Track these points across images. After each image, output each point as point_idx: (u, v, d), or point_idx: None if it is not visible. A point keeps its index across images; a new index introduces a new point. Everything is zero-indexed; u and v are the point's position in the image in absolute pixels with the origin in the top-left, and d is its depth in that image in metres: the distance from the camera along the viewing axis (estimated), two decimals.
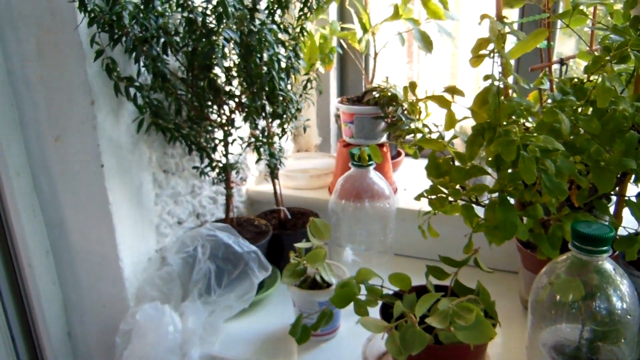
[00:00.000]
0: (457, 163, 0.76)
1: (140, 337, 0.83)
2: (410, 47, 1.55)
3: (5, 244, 0.87)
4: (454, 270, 0.74)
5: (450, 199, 0.75)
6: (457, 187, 0.75)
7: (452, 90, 0.76)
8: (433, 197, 0.77)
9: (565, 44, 1.24)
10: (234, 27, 0.72)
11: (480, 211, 0.73)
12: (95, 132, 0.78)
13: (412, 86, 0.80)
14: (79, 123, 0.79)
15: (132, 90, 0.76)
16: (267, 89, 0.81)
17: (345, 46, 1.23)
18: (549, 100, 0.76)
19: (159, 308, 0.84)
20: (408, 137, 1.00)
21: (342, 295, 0.75)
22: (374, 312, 0.74)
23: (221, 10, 0.68)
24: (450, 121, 0.76)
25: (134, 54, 0.73)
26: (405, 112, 1.06)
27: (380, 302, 0.76)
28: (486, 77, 0.68)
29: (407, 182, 1.21)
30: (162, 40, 0.74)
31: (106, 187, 0.81)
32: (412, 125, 0.97)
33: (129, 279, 0.88)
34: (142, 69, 0.79)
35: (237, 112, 0.87)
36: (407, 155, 1.28)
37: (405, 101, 1.05)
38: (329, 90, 1.33)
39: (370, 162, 0.92)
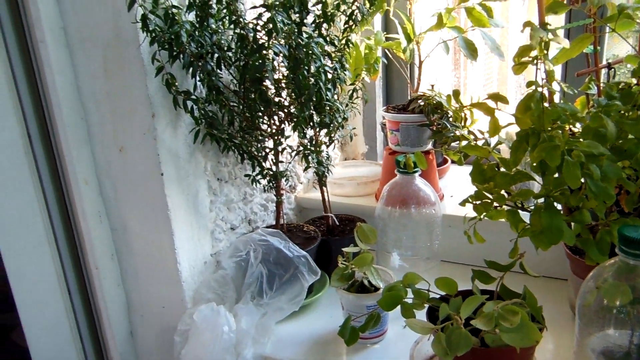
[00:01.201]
0: (501, 169, 0.77)
1: (197, 337, 0.88)
2: (456, 55, 1.56)
3: (75, 248, 0.94)
4: (500, 274, 0.75)
5: (495, 204, 0.76)
6: (502, 192, 0.76)
7: (496, 98, 0.77)
8: (478, 202, 0.78)
9: (619, 47, 1.22)
10: (283, 41, 0.76)
11: (525, 216, 0.74)
12: (155, 142, 0.84)
13: (456, 94, 0.82)
14: (140, 134, 0.85)
15: (189, 103, 0.81)
16: (314, 99, 0.84)
17: (390, 55, 1.26)
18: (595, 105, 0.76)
19: (214, 309, 0.88)
20: (453, 144, 1.02)
21: (390, 298, 0.77)
22: (421, 315, 0.76)
23: (271, 26, 0.72)
24: (495, 128, 0.78)
25: (190, 69, 0.78)
26: (451, 119, 1.07)
27: (426, 306, 0.77)
28: (529, 84, 0.69)
29: (454, 189, 1.22)
30: (216, 55, 0.79)
31: (166, 194, 0.87)
32: (457, 133, 0.98)
33: (186, 281, 0.93)
34: (198, 83, 0.84)
35: (286, 122, 0.91)
36: (453, 162, 1.29)
37: (450, 109, 1.06)
38: (374, 99, 1.36)
39: (416, 169, 0.94)
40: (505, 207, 0.76)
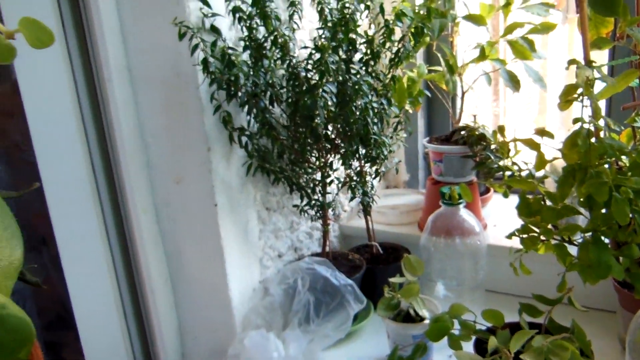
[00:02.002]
0: (548, 202, 0.78)
1: None
2: (497, 86, 1.57)
3: (131, 273, 1.00)
4: (548, 308, 0.75)
5: (542, 238, 0.77)
6: (549, 226, 0.77)
7: (542, 132, 0.79)
8: (525, 236, 0.79)
9: None
10: (331, 78, 0.80)
11: (573, 249, 0.74)
12: (210, 174, 0.89)
13: (501, 129, 0.84)
14: (196, 167, 0.89)
15: (243, 139, 0.86)
16: (361, 133, 0.88)
17: (432, 87, 1.29)
18: None
19: (264, 335, 0.91)
20: (497, 174, 1.03)
21: (437, 329, 0.78)
22: (467, 347, 0.77)
23: (323, 68, 0.77)
24: (541, 162, 0.79)
25: (246, 107, 0.83)
26: (494, 150, 1.08)
27: (473, 337, 0.78)
28: (575, 120, 0.70)
29: (497, 218, 1.22)
30: (269, 94, 0.84)
31: (219, 224, 0.91)
32: (501, 164, 1.00)
33: (236, 307, 0.97)
34: (251, 119, 0.88)
35: (333, 154, 0.94)
36: (496, 191, 1.30)
37: (494, 142, 1.08)
38: (416, 129, 1.38)
39: (460, 201, 0.96)
40: (552, 241, 0.77)
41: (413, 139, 1.40)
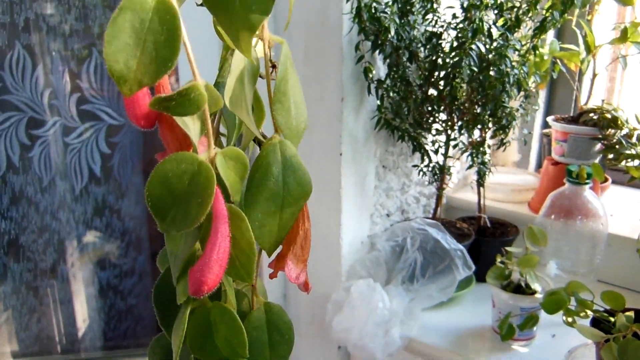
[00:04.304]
0: None
1: (352, 308, 0.94)
2: (613, 72, 1.50)
3: None
4: None
5: None
6: None
7: None
8: None
9: None
10: (483, 38, 0.80)
11: None
12: (340, 124, 0.91)
13: None
14: (327, 116, 0.92)
15: (379, 91, 0.87)
16: (497, 99, 0.87)
17: (560, 65, 1.24)
18: None
19: (371, 285, 0.94)
20: (625, 161, 0.99)
21: (554, 302, 0.78)
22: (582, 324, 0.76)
23: (474, 26, 0.76)
24: None
25: (388, 60, 0.84)
26: (626, 135, 1.04)
27: (591, 315, 0.77)
28: None
29: (613, 209, 1.17)
30: (411, 49, 0.84)
31: (341, 173, 0.94)
32: (633, 151, 0.96)
33: (345, 256, 1.00)
34: (388, 74, 0.90)
35: (461, 120, 0.94)
36: (613, 182, 1.25)
37: (626, 125, 1.03)
38: (537, 103, 1.34)
39: (588, 181, 0.93)
40: None
41: (529, 118, 1.36)
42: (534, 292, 0.88)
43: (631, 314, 0.73)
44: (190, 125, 0.29)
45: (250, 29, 0.28)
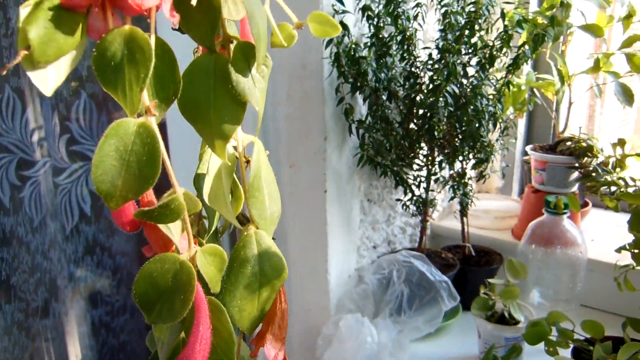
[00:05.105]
0: None
1: (341, 343, 0.96)
2: (593, 99, 1.54)
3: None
4: None
5: None
6: None
7: None
8: (636, 251, 0.79)
9: None
10: (455, 80, 0.83)
11: None
12: (324, 162, 0.94)
13: (622, 143, 0.83)
14: (311, 154, 0.95)
15: (360, 131, 0.90)
16: (474, 134, 0.90)
17: (537, 95, 1.28)
18: None
19: (359, 319, 0.96)
20: (602, 188, 1.02)
21: (535, 333, 0.80)
22: (564, 355, 0.78)
23: (449, 70, 0.80)
24: None
25: (367, 101, 0.87)
26: (601, 163, 1.07)
27: (572, 346, 0.79)
28: None
29: (595, 233, 1.20)
30: (389, 90, 0.88)
31: (326, 210, 0.96)
32: (609, 178, 0.99)
33: (333, 290, 1.02)
34: (368, 113, 0.93)
35: (441, 153, 0.97)
36: (593, 205, 1.28)
37: (601, 154, 1.07)
38: (515, 135, 1.38)
39: (565, 211, 0.96)
40: None
41: (510, 146, 1.39)
42: (517, 322, 0.90)
43: (609, 343, 0.75)
44: (172, 228, 0.32)
45: (224, 138, 0.31)
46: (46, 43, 0.23)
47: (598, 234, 1.19)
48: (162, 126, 1.05)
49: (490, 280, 0.90)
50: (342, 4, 0.84)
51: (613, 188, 1.01)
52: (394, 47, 0.88)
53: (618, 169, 1.02)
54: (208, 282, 0.33)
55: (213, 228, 0.40)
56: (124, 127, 0.26)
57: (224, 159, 0.32)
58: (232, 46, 0.32)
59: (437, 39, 0.90)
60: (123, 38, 0.25)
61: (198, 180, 0.37)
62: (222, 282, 0.34)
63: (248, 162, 0.36)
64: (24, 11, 0.23)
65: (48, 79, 0.25)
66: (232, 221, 0.36)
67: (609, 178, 1.01)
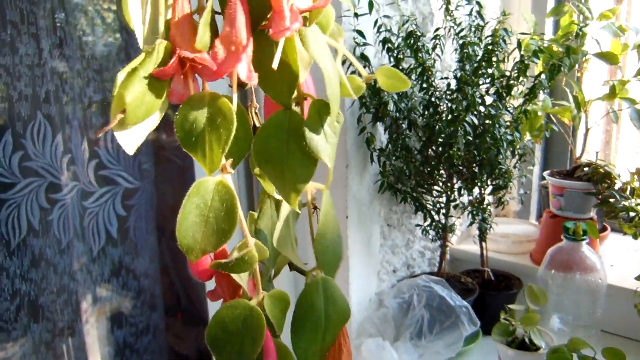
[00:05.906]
0: None
1: None
2: (609, 124, 1.55)
3: None
4: None
5: None
6: None
7: None
8: None
9: None
10: (475, 110, 0.86)
11: None
12: (345, 189, 0.96)
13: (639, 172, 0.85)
14: (334, 182, 0.98)
15: (382, 159, 0.93)
16: (493, 162, 0.92)
17: (554, 120, 1.30)
18: None
19: (380, 344, 0.97)
20: (621, 214, 1.03)
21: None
22: None
23: (469, 102, 0.82)
24: None
25: (388, 130, 0.90)
26: (619, 190, 1.08)
27: None
28: None
29: (613, 258, 1.21)
30: (409, 119, 0.90)
31: (348, 235, 0.98)
32: (627, 204, 1.00)
33: (354, 313, 1.03)
34: (388, 141, 0.95)
35: (460, 181, 0.99)
36: (612, 230, 1.28)
37: (619, 179, 1.08)
38: (532, 161, 1.39)
39: (584, 237, 0.97)
40: None
41: (528, 172, 1.41)
42: (538, 348, 0.91)
43: None
44: (242, 276, 0.35)
45: (297, 191, 0.34)
46: (138, 106, 0.26)
47: (617, 259, 1.20)
48: None
49: (510, 306, 0.91)
50: (363, 36, 0.87)
51: (632, 214, 1.02)
52: (414, 77, 0.91)
53: (637, 198, 1.03)
54: (274, 325, 0.35)
55: (272, 272, 0.42)
56: (204, 186, 0.29)
57: (295, 208, 0.35)
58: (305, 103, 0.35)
59: (455, 70, 0.93)
60: (205, 103, 0.28)
61: (258, 233, 0.40)
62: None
63: (316, 208, 0.39)
64: (120, 77, 0.26)
65: (133, 138, 0.28)
66: (298, 263, 0.38)
67: (627, 204, 1.02)
